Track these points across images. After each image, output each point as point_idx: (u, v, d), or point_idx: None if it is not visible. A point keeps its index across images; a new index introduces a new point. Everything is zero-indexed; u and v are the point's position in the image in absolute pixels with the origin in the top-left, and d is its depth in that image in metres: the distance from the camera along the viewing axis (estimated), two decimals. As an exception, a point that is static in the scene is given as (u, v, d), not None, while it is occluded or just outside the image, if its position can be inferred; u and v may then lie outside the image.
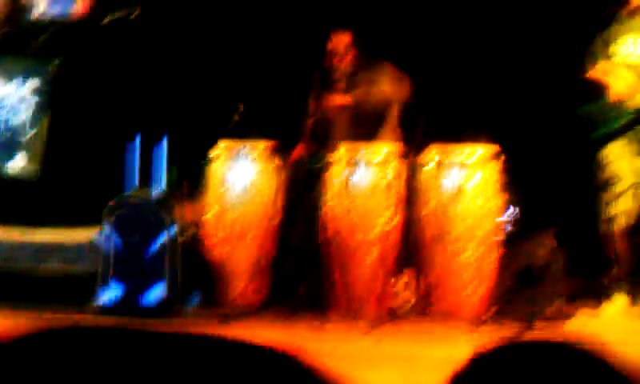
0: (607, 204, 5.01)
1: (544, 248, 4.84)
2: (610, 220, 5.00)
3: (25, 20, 5.50)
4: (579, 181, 5.59)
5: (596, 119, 5.09)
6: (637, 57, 4.99)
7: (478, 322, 4.33)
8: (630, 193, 4.96)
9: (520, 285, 4.78)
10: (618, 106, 4.99)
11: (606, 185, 5.01)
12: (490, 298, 4.51)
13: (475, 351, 1.57)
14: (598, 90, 5.12)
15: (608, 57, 5.06)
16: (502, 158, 4.56)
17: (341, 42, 5.24)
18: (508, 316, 4.45)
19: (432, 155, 4.56)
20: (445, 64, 6.43)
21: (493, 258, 4.48)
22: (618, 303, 4.93)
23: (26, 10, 5.84)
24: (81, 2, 5.55)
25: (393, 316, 4.45)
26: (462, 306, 4.44)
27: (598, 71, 5.09)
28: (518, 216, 5.80)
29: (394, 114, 5.21)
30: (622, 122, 4.98)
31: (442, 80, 6.25)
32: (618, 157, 5.00)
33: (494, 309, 4.51)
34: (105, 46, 5.24)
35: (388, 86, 5.17)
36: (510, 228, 5.11)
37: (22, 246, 4.71)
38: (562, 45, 6.11)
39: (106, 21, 5.18)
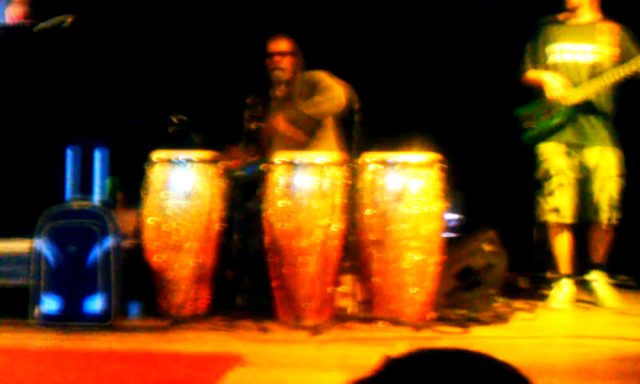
0: (542, 202, 5.11)
1: (484, 250, 4.88)
2: (546, 217, 5.11)
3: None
4: (516, 181, 5.69)
5: (529, 120, 5.22)
6: (566, 60, 5.12)
7: (420, 325, 4.34)
8: (562, 189, 5.06)
9: (461, 287, 4.82)
10: (549, 106, 5.11)
11: (540, 183, 5.12)
12: (432, 302, 4.53)
13: (382, 358, 1.58)
14: (531, 92, 5.25)
15: (540, 61, 5.19)
16: (441, 162, 4.58)
17: (280, 47, 5.24)
18: (449, 319, 4.48)
19: (372, 160, 4.56)
20: (383, 69, 6.49)
21: (434, 261, 4.50)
22: (557, 300, 5.02)
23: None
24: (17, 9, 5.45)
25: (335, 321, 4.44)
26: (404, 310, 4.45)
27: (530, 74, 5.21)
28: (459, 219, 5.87)
29: (333, 119, 5.23)
30: (553, 121, 5.11)
31: (381, 85, 6.31)
32: (550, 155, 5.11)
33: (435, 312, 4.53)
34: (42, 53, 5.15)
35: (327, 92, 5.18)
36: (450, 231, 5.16)
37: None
38: (496, 49, 6.22)
39: (43, 26, 5.08)
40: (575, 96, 5.05)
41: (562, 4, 5.20)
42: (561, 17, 5.23)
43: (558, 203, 5.07)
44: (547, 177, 5.11)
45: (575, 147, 5.10)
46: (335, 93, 5.06)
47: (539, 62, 5.22)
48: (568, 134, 5.12)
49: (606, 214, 5.05)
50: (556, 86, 5.08)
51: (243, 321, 4.39)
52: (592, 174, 5.07)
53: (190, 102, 5.98)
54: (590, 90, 5.04)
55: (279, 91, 5.29)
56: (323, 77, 5.16)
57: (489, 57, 6.37)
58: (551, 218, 5.11)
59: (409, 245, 4.46)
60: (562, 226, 5.11)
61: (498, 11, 6.44)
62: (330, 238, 4.49)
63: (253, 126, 5.16)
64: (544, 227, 5.18)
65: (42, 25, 5.11)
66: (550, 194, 5.09)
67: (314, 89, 5.13)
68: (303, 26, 5.66)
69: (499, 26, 6.41)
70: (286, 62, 5.23)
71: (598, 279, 5.12)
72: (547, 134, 5.16)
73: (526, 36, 5.34)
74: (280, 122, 5.05)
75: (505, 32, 6.21)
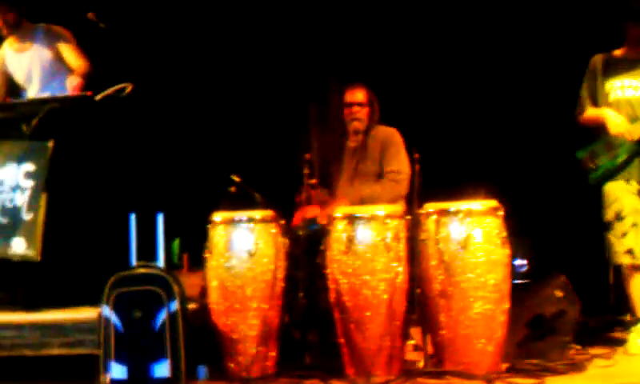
0: (615, 243, 4.97)
1: (556, 296, 4.76)
2: (620, 259, 4.96)
3: (17, 103, 5.50)
4: (584, 225, 5.57)
5: (592, 161, 5.11)
6: (628, 96, 5.01)
7: (492, 377, 4.23)
8: (637, 229, 4.92)
9: (532, 337, 4.69)
10: (613, 144, 5.00)
11: (612, 224, 4.99)
12: (503, 353, 4.42)
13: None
14: (590, 132, 5.15)
15: (600, 98, 5.09)
16: (503, 209, 4.50)
17: (357, 98, 5.32)
18: (522, 370, 4.37)
19: (434, 210, 4.51)
20: (441, 117, 6.47)
21: (503, 310, 4.39)
22: (635, 345, 4.86)
23: (18, 93, 5.88)
24: (75, 80, 5.57)
25: (405, 376, 4.36)
26: (475, 362, 4.35)
27: (590, 113, 5.12)
28: (526, 266, 5.76)
29: (392, 172, 5.23)
30: (619, 159, 4.99)
31: (439, 136, 6.28)
32: (620, 194, 4.98)
33: (507, 363, 4.42)
34: (104, 121, 5.24)
35: (386, 139, 5.23)
36: (519, 278, 5.06)
37: (26, 328, 4.64)
38: (553, 91, 6.15)
39: (98, 98, 5.18)
40: (637, 131, 4.94)
41: (621, 39, 5.11)
42: (616, 53, 5.15)
43: (633, 244, 4.92)
44: (620, 217, 4.97)
45: None
46: (400, 176, 5.20)
47: (599, 99, 5.12)
48: (635, 172, 5.00)
49: None
50: (620, 122, 4.98)
51: (312, 380, 4.36)
52: None
53: (247, 160, 6.02)
54: None
55: (354, 141, 5.36)
56: (397, 145, 5.29)
57: (547, 99, 6.30)
58: (625, 260, 4.96)
59: (476, 294, 4.37)
60: (637, 268, 4.96)
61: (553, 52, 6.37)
62: (395, 292, 4.43)
63: (313, 181, 5.21)
64: (619, 269, 5.03)
65: (104, 93, 5.20)
66: (624, 235, 4.95)
67: (384, 151, 5.20)
68: (363, 75, 5.67)
69: (555, 65, 6.34)
70: (363, 113, 5.32)
71: None
72: (613, 173, 5.04)
73: (581, 75, 5.26)
74: (343, 202, 5.09)
75: (562, 72, 6.14)
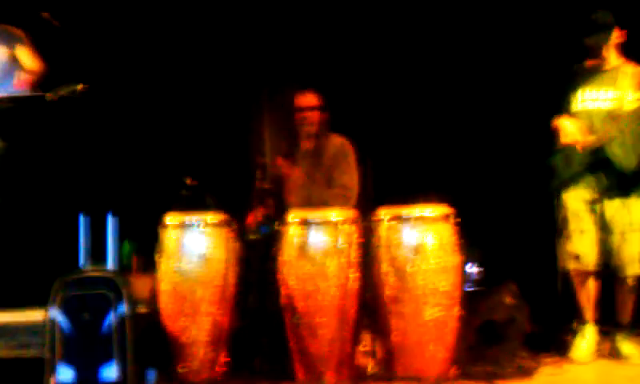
0: (562, 249, 5.03)
1: (506, 303, 4.80)
2: (565, 264, 5.02)
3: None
4: (537, 232, 5.61)
5: (555, 169, 5.14)
6: (588, 108, 5.05)
7: (442, 382, 4.25)
8: (582, 235, 4.97)
9: (482, 342, 4.72)
10: (569, 154, 5.04)
11: (560, 231, 5.04)
12: (453, 358, 4.44)
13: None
14: (556, 140, 5.17)
15: (568, 109, 5.12)
16: (455, 215, 4.52)
17: (308, 102, 5.33)
18: (472, 375, 4.38)
19: (386, 215, 4.51)
20: (393, 122, 6.48)
21: (454, 316, 4.41)
22: (579, 349, 4.91)
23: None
24: (23, 75, 5.49)
25: (355, 380, 4.36)
26: (425, 367, 4.36)
27: (554, 122, 5.14)
28: (478, 272, 5.79)
29: (341, 186, 5.25)
30: (573, 169, 5.03)
31: (391, 143, 6.29)
32: (569, 202, 5.03)
33: (457, 368, 4.43)
34: (54, 121, 5.17)
35: (338, 150, 5.24)
36: (469, 285, 5.09)
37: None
38: (504, 98, 6.20)
39: (56, 94, 5.11)
40: (589, 142, 4.98)
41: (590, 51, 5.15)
42: (589, 63, 5.17)
43: (578, 249, 4.97)
44: (568, 224, 5.03)
45: (596, 196, 5.03)
46: (350, 193, 5.25)
47: (568, 110, 5.15)
48: (588, 183, 5.04)
49: (630, 269, 4.95)
50: (569, 132, 5.02)
51: (262, 383, 4.32)
52: (610, 226, 4.98)
53: (200, 164, 5.99)
54: (604, 136, 4.97)
55: (305, 145, 5.37)
56: (347, 158, 5.33)
57: (498, 105, 6.34)
58: (571, 264, 5.01)
59: (428, 300, 4.38)
60: (584, 274, 5.01)
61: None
62: (347, 296, 4.42)
63: (265, 185, 5.19)
64: (567, 276, 5.08)
65: (55, 93, 5.13)
66: (569, 239, 5.01)
67: (335, 163, 5.22)
68: (317, 81, 5.67)
69: (507, 72, 6.38)
70: (314, 117, 5.33)
71: (623, 339, 5.00)
72: (569, 182, 5.08)
73: (532, 83, 5.30)
74: (292, 179, 5.09)
75: (513, 79, 6.19)
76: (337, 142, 5.41)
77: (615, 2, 5.07)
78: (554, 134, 5.16)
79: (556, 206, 5.12)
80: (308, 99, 5.43)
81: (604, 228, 4.99)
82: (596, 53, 5.11)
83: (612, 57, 5.11)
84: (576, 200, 5.04)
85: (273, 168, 5.40)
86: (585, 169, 5.02)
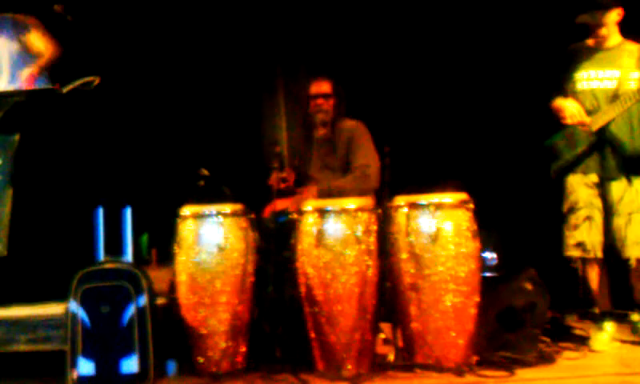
0: (567, 236, 4.99)
1: (526, 289, 4.76)
2: (569, 252, 4.98)
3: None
4: (552, 217, 5.57)
5: (555, 151, 5.11)
6: (593, 87, 5.01)
7: (462, 370, 4.24)
8: (590, 223, 4.93)
9: (503, 329, 4.69)
10: (572, 135, 5.01)
11: (567, 216, 5.00)
12: (474, 345, 4.42)
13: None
14: (557, 121, 5.14)
15: (569, 89, 5.09)
16: (472, 201, 4.50)
17: (322, 89, 5.30)
18: (493, 362, 4.37)
19: (404, 203, 4.50)
20: (408, 114, 6.46)
21: (473, 302, 4.39)
22: (601, 343, 4.86)
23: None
24: (28, 70, 5.48)
25: (375, 370, 4.35)
26: (445, 355, 4.35)
27: (555, 103, 5.10)
28: (496, 259, 5.76)
29: (361, 166, 5.21)
30: (577, 151, 5.00)
31: (407, 130, 6.27)
32: (577, 187, 4.99)
33: (478, 356, 4.42)
34: (69, 115, 5.17)
35: (351, 134, 5.22)
36: (488, 271, 5.06)
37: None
38: (517, 84, 6.16)
39: (65, 91, 5.10)
40: (596, 122, 4.94)
41: (589, 30, 5.12)
42: (589, 42, 5.14)
43: (585, 237, 4.94)
44: (574, 210, 4.98)
45: (601, 178, 4.99)
46: (369, 170, 5.17)
47: (569, 90, 5.11)
48: (594, 165, 5.01)
49: (634, 250, 4.91)
50: (574, 113, 4.98)
51: (282, 374, 4.33)
52: (617, 207, 4.94)
53: (215, 154, 5.99)
54: (609, 116, 4.92)
55: (320, 132, 5.34)
56: (363, 139, 5.26)
57: (513, 91, 6.31)
58: (575, 252, 4.98)
59: (447, 287, 4.37)
60: (591, 261, 4.97)
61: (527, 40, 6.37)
62: (366, 285, 4.41)
63: (282, 174, 5.18)
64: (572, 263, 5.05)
65: (71, 86, 5.13)
66: (576, 227, 4.96)
67: (351, 146, 5.17)
68: (332, 69, 5.65)
69: (518, 58, 6.35)
70: (328, 104, 5.30)
71: None
72: (573, 165, 5.04)
73: (552, 62, 5.26)
74: (311, 193, 5.08)
75: (525, 65, 6.16)
76: (349, 125, 5.36)
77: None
78: (553, 115, 5.15)
79: (562, 189, 5.08)
80: (322, 86, 5.38)
81: (609, 209, 4.96)
82: (594, 31, 5.07)
83: (612, 35, 5.07)
84: (581, 185, 5.00)
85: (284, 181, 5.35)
86: (589, 149, 4.99)
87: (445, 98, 6.55)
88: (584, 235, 4.95)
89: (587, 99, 5.02)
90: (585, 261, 4.98)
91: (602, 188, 4.99)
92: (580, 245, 4.96)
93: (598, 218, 4.95)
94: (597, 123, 4.94)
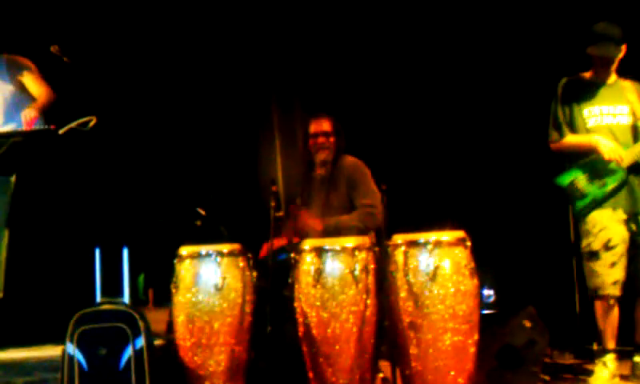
0: (602, 274, 4.89)
1: (525, 327, 4.76)
2: (607, 291, 4.89)
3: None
4: (548, 253, 5.57)
5: (577, 188, 5.03)
6: (608, 123, 4.98)
7: (463, 409, 4.22)
8: (623, 260, 4.86)
9: (502, 367, 4.68)
10: (601, 170, 4.95)
11: (597, 255, 4.90)
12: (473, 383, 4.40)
13: None
14: (567, 159, 5.09)
15: (576, 125, 5.04)
16: (470, 239, 4.50)
17: (323, 127, 5.29)
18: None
19: (402, 241, 4.49)
20: (403, 152, 6.49)
21: (473, 341, 4.37)
22: (600, 378, 4.83)
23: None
24: (31, 113, 5.49)
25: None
26: (445, 394, 4.32)
27: (571, 139, 5.04)
28: (493, 296, 5.76)
29: (366, 206, 5.21)
30: (608, 187, 4.93)
31: (404, 167, 6.29)
32: (608, 223, 4.91)
33: (477, 394, 4.40)
34: (67, 156, 5.17)
35: (352, 172, 5.22)
36: (485, 309, 5.05)
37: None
38: (513, 122, 6.19)
39: (62, 132, 5.10)
40: (629, 157, 4.89)
41: (589, 63, 5.05)
42: (586, 75, 5.08)
43: (619, 276, 4.85)
44: (609, 247, 4.85)
45: (630, 213, 4.92)
46: (374, 210, 5.16)
47: (575, 127, 5.04)
48: (622, 200, 4.92)
49: None
50: (613, 148, 4.91)
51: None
52: None
53: (212, 195, 5.99)
54: (638, 151, 4.89)
55: (320, 171, 5.32)
56: (365, 178, 5.27)
57: (508, 129, 6.34)
58: (614, 291, 4.83)
59: (446, 326, 4.34)
60: (612, 300, 4.88)
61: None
62: (364, 324, 4.39)
63: (280, 213, 5.16)
64: (586, 298, 4.97)
65: (68, 127, 5.13)
66: (613, 265, 4.83)
67: (353, 185, 5.17)
68: (328, 104, 5.66)
69: (515, 96, 6.39)
70: (329, 142, 5.28)
71: None
72: (602, 201, 4.94)
73: (540, 103, 5.23)
74: (316, 224, 5.06)
75: (522, 102, 6.19)
76: (349, 163, 5.35)
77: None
78: (562, 152, 5.08)
79: (584, 226, 4.97)
80: (322, 124, 5.37)
81: (634, 244, 4.91)
82: (601, 65, 5.01)
83: (612, 71, 5.05)
84: (613, 221, 4.89)
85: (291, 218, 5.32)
86: (620, 186, 4.94)
87: (441, 135, 6.58)
88: (621, 273, 4.87)
89: (603, 135, 4.94)
90: (606, 300, 4.87)
91: (629, 223, 4.94)
92: (617, 282, 4.86)
93: (624, 257, 4.88)
94: (628, 159, 4.89)
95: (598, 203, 4.92)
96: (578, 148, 5.01)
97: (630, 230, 4.90)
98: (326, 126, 5.34)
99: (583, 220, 4.97)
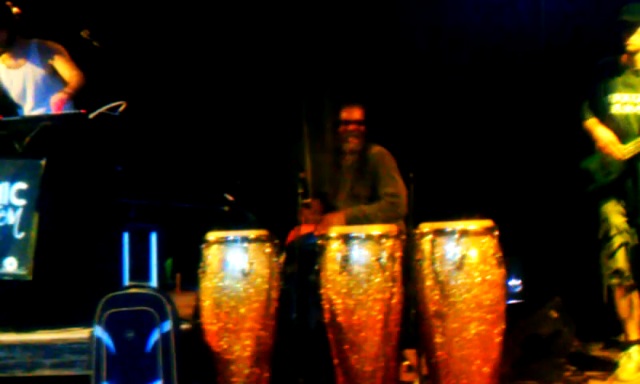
0: (605, 263, 4.92)
1: (551, 317, 4.74)
2: (608, 281, 4.91)
3: (10, 121, 5.46)
4: (577, 243, 5.53)
5: (590, 173, 5.04)
6: (627, 111, 4.97)
7: (487, 398, 4.21)
8: (625, 250, 4.87)
9: (528, 357, 4.67)
10: (606, 161, 4.95)
11: (602, 243, 4.94)
12: (498, 374, 4.39)
13: None
14: (590, 142, 5.08)
15: (600, 110, 5.03)
16: (497, 228, 4.48)
17: (355, 115, 5.30)
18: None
19: (429, 229, 4.48)
20: (432, 140, 6.46)
21: (499, 330, 4.36)
22: (626, 370, 4.81)
23: (13, 110, 5.85)
24: (58, 96, 5.54)
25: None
26: (471, 383, 4.31)
27: (588, 124, 5.04)
28: (520, 286, 5.73)
29: (389, 195, 5.21)
30: (610, 177, 4.94)
31: (432, 156, 6.27)
32: (610, 214, 4.93)
33: (502, 384, 4.39)
34: (91, 142, 5.20)
35: (377, 162, 5.21)
36: (512, 299, 5.04)
37: (17, 348, 4.59)
38: (542, 107, 6.15)
39: (92, 116, 5.13)
40: (628, 150, 4.89)
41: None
42: (623, 59, 5.04)
43: (621, 265, 4.88)
44: (608, 237, 4.93)
45: (634, 205, 4.94)
46: (397, 200, 5.20)
47: (599, 111, 5.04)
48: (625, 191, 4.95)
49: None
50: (609, 141, 4.92)
51: (306, 400, 4.33)
52: None
53: (241, 180, 6.00)
54: None
55: (349, 160, 5.34)
56: (390, 167, 5.29)
57: (537, 115, 6.30)
58: (613, 280, 4.91)
59: (472, 315, 4.34)
60: (627, 289, 4.90)
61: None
62: (390, 312, 4.40)
63: (307, 200, 5.17)
64: (610, 290, 4.98)
65: (98, 111, 5.16)
66: (612, 255, 4.90)
67: (378, 174, 5.18)
68: (355, 96, 5.65)
69: (545, 80, 6.34)
70: (359, 131, 5.29)
71: None
72: (606, 191, 4.98)
73: (572, 87, 5.21)
74: (339, 219, 5.08)
75: (552, 86, 6.14)
76: (375, 152, 5.37)
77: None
78: (587, 137, 5.08)
79: (598, 215, 5.00)
80: (354, 113, 5.38)
81: None
82: (632, 53, 4.98)
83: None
84: (614, 211, 4.94)
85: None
86: (622, 177, 4.94)
87: (469, 123, 6.55)
88: (620, 262, 4.88)
89: (621, 123, 4.94)
90: (622, 288, 4.90)
91: (634, 215, 4.92)
92: (617, 272, 4.88)
93: (633, 243, 4.89)
94: (629, 151, 4.89)
95: (603, 192, 4.93)
96: (591, 135, 5.03)
97: (635, 222, 4.91)
98: (357, 114, 5.36)
99: (598, 209, 5.00)
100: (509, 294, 4.83)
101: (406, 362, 4.79)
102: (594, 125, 5.03)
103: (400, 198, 5.18)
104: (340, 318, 4.40)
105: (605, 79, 5.04)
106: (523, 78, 6.49)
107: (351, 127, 5.34)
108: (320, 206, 5.41)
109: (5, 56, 5.84)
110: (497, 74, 6.56)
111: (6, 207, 5.12)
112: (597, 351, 5.28)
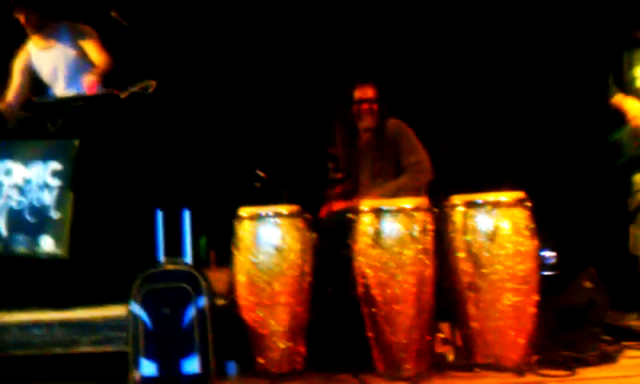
0: (636, 236, 4.90)
1: (585, 287, 4.71)
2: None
3: (43, 102, 5.51)
4: (611, 214, 5.50)
5: (620, 146, 5.02)
6: None
7: (522, 369, 4.21)
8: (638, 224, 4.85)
9: (562, 328, 4.65)
10: (636, 134, 4.92)
11: (635, 215, 4.91)
12: (533, 344, 4.39)
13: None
14: (619, 117, 5.05)
15: (626, 85, 5.00)
16: (529, 199, 4.46)
17: (367, 94, 5.28)
18: (553, 362, 4.33)
19: (461, 202, 4.48)
20: (462, 114, 6.43)
21: (532, 301, 4.36)
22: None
23: (43, 91, 5.90)
24: (90, 78, 5.57)
25: (434, 369, 4.35)
26: (505, 355, 4.32)
27: (616, 99, 5.02)
28: (554, 258, 5.71)
29: (413, 163, 5.20)
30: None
31: (463, 128, 6.24)
32: (634, 186, 4.91)
33: (538, 355, 4.39)
34: (123, 122, 5.24)
35: (394, 135, 5.20)
36: (546, 269, 5.01)
37: (56, 326, 4.66)
38: (573, 80, 6.09)
39: (123, 96, 5.17)
40: None
41: None
42: None
43: None
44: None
45: None
46: (422, 166, 5.17)
47: (625, 85, 5.01)
48: None
49: None
50: (637, 114, 4.88)
51: (341, 374, 4.35)
52: None
53: (272, 156, 6.02)
54: None
55: (364, 138, 5.32)
56: (408, 136, 5.23)
57: (568, 88, 6.24)
58: None
59: (505, 286, 4.35)
60: None
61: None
62: (423, 285, 4.41)
63: (338, 175, 5.18)
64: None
65: (129, 91, 5.19)
66: None
67: (398, 146, 5.16)
68: (384, 72, 5.64)
69: (575, 53, 6.28)
70: (373, 109, 5.27)
71: None
72: (637, 163, 4.96)
73: (613, 54, 5.17)
74: (365, 169, 5.06)
75: (581, 59, 6.08)
76: (391, 126, 5.33)
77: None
78: (616, 110, 5.05)
79: (629, 186, 4.99)
80: (367, 92, 5.35)
81: None
82: None
83: None
84: None
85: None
86: None
87: (500, 95, 6.50)
88: None
89: None
90: None
91: None
92: None
93: None
94: None
95: (634, 165, 4.89)
96: (620, 109, 4.98)
97: None
98: (370, 92, 5.33)
99: (629, 181, 4.98)
100: (543, 265, 4.81)
101: (441, 334, 4.80)
102: (622, 99, 4.99)
103: (424, 164, 5.17)
104: (374, 292, 4.42)
105: (628, 55, 5.01)
106: (555, 48, 6.43)
107: (365, 106, 5.31)
108: (349, 186, 5.40)
109: (36, 38, 5.89)
110: (528, 44, 6.50)
111: (41, 187, 5.19)
112: (631, 321, 5.24)
